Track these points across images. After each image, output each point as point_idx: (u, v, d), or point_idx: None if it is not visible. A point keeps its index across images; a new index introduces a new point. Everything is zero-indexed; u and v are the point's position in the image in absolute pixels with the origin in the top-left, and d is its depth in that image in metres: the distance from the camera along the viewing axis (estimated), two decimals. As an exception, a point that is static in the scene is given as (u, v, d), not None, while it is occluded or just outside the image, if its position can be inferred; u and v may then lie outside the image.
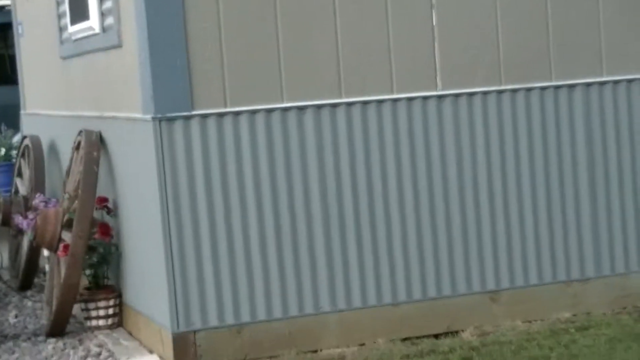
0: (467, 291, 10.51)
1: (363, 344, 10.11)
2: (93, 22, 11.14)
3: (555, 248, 10.76)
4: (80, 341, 10.90)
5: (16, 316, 12.40)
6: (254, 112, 9.92)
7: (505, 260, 10.63)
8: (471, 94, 10.50)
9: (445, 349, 9.77)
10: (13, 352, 10.67)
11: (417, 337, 10.24)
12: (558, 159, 10.74)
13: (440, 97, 10.41)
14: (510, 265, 10.64)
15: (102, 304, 11.22)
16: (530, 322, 10.54)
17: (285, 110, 10.01)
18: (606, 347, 9.46)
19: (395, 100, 10.27)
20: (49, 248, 11.55)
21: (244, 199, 9.95)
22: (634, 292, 10.95)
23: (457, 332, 10.34)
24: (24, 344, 11.00)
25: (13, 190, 14.66)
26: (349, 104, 10.18)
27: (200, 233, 9.83)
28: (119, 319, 11.34)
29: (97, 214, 11.28)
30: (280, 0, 9.96)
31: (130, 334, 11.08)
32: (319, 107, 10.09)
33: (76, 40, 12.14)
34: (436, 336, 10.29)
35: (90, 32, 11.36)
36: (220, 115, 9.82)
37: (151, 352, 10.42)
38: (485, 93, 10.53)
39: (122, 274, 11.33)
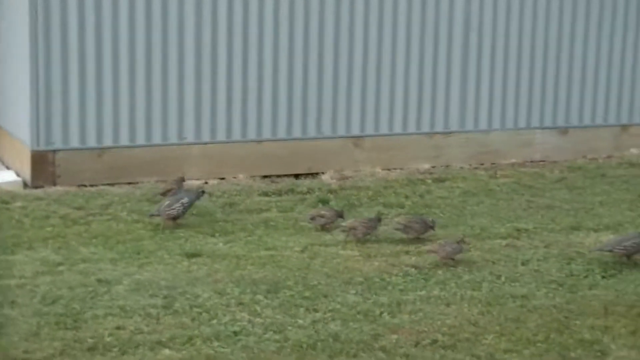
0: (332, 134, 11.13)
1: (223, 178, 10.67)
2: None
3: (423, 100, 11.38)
4: None
5: None
6: None
7: (373, 107, 11.19)
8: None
9: (304, 190, 10.36)
10: None
11: (278, 176, 10.82)
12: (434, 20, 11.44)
13: None
14: (376, 113, 11.23)
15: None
16: (390, 170, 11.20)
17: None
18: (459, 199, 10.19)
19: None
20: None
21: (116, 17, 10.17)
22: (493, 149, 11.74)
23: (317, 174, 10.96)
24: None
25: None
26: None
27: (69, 50, 10.04)
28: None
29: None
30: None
31: (-11, 148, 11.36)
32: None
33: None
34: (296, 176, 10.89)
35: None
36: None
37: (8, 168, 10.80)
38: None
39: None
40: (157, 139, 10.48)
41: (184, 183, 9.91)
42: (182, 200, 8.94)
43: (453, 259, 8.04)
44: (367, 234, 8.59)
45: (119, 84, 10.28)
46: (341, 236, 8.63)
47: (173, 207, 8.88)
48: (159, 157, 10.48)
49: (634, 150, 12.15)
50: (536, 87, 11.81)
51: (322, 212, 9.07)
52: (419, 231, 8.68)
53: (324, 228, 8.97)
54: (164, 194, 9.63)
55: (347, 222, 8.72)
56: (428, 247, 8.34)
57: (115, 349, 6.25)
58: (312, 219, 9.05)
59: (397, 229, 8.71)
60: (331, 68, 10.99)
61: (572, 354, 6.34)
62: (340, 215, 9.03)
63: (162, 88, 10.43)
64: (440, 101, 11.47)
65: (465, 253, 8.16)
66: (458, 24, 11.41)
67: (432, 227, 8.69)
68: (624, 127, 12.22)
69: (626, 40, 12.09)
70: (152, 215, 9.06)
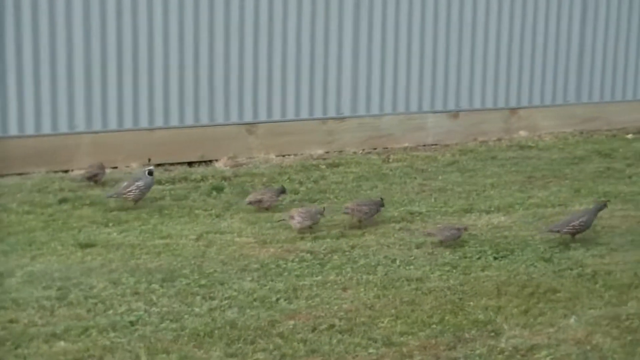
0: (225, 121, 11.12)
1: (116, 167, 10.57)
2: None
3: (315, 85, 11.42)
4: None
5: None
6: None
7: (265, 93, 11.21)
8: None
9: (198, 177, 10.34)
10: None
11: (171, 164, 10.78)
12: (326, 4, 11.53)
13: None
14: (269, 99, 11.25)
15: None
16: (284, 156, 11.26)
17: None
18: (353, 184, 10.28)
19: None
20: None
21: (1, 5, 10.06)
22: (386, 134, 11.90)
23: (211, 161, 10.95)
24: None
25: None
26: None
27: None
28: None
29: None
30: None
31: None
32: None
33: None
34: (190, 164, 10.86)
35: None
36: None
37: None
38: None
39: None
40: (46, 128, 10.33)
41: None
42: (138, 183, 9.15)
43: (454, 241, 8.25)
44: (314, 223, 8.58)
45: (5, 74, 10.10)
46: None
47: (129, 189, 9.11)
48: (49, 147, 10.34)
49: (523, 133, 12.41)
50: (427, 71, 11.97)
51: (260, 196, 9.13)
52: (369, 213, 8.75)
53: (267, 209, 9.09)
54: (90, 178, 9.82)
55: (288, 212, 8.71)
56: (427, 230, 8.47)
57: (9, 343, 6.17)
58: (250, 203, 9.10)
59: (345, 213, 8.79)
60: (222, 55, 10.97)
61: (467, 335, 6.46)
62: (282, 191, 9.25)
63: (51, 77, 10.28)
64: (332, 86, 11.55)
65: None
66: (348, 9, 11.48)
67: (382, 205, 8.86)
68: (513, 110, 12.47)
69: (513, 26, 12.32)
70: (109, 197, 9.21)
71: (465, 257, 7.99)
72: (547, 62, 12.50)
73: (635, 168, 11.07)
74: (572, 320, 6.75)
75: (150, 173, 9.34)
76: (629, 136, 12.59)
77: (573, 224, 8.35)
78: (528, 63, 12.43)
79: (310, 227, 8.53)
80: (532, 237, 8.50)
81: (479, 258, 7.98)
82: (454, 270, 7.69)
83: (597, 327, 6.62)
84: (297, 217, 8.47)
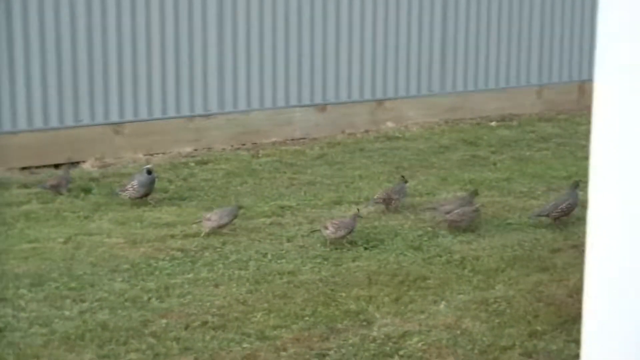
0: (91, 122, 10.94)
1: (-21, 172, 10.42)
2: None
3: (180, 83, 11.32)
4: None
5: None
6: None
7: (130, 92, 11.09)
8: None
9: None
10: None
11: (37, 167, 10.57)
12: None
13: None
14: (135, 98, 11.13)
15: None
16: (152, 155, 11.15)
17: None
18: (223, 180, 10.25)
19: None
20: None
21: None
22: (253, 129, 11.92)
23: (77, 162, 10.75)
24: None
25: None
26: None
27: None
28: None
29: None
30: None
31: None
32: None
33: None
34: (56, 166, 10.64)
35: None
36: None
37: None
38: None
39: None
40: None
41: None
42: (132, 182, 9.31)
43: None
44: (349, 232, 8.17)
45: None
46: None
47: (126, 187, 9.32)
48: None
49: (390, 124, 12.57)
50: (292, 66, 12.02)
51: (210, 217, 8.47)
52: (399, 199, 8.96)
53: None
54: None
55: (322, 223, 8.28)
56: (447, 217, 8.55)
57: None
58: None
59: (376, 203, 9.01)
60: (85, 54, 10.81)
61: (339, 325, 6.54)
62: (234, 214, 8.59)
63: None
64: (199, 84, 11.50)
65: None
66: (212, 7, 11.45)
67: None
68: (380, 102, 12.62)
69: (376, 19, 12.46)
70: (116, 194, 9.47)
71: (336, 249, 8.07)
72: (411, 54, 12.69)
73: (499, 155, 11.33)
74: (441, 306, 6.90)
75: (149, 172, 9.38)
76: (493, 124, 12.88)
77: (561, 207, 8.58)
78: (392, 55, 12.59)
79: (344, 237, 8.16)
80: (402, 226, 8.64)
81: (349, 249, 8.07)
82: (326, 262, 7.76)
83: (466, 312, 6.77)
84: (330, 228, 8.12)
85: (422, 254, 7.95)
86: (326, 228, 8.11)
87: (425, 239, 8.33)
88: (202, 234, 8.33)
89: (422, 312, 6.78)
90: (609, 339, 1.92)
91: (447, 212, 8.56)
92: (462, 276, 7.47)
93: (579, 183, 8.87)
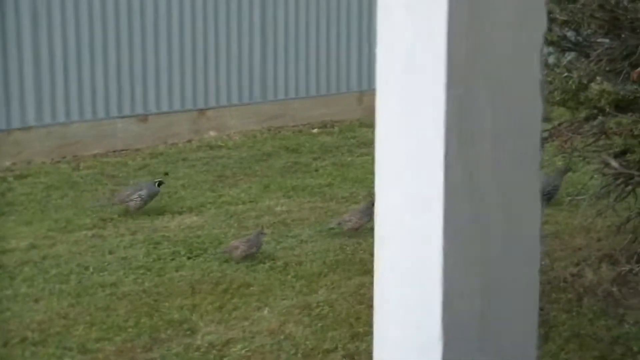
0: None
1: None
2: None
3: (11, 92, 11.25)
4: None
5: None
6: None
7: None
8: None
9: None
10: None
11: None
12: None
13: None
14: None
15: None
16: (-33, 170, 10.96)
17: None
18: (43, 194, 10.04)
19: None
20: None
21: None
22: (74, 142, 11.74)
23: None
24: None
25: None
26: None
27: None
28: None
29: None
30: None
31: None
32: None
33: None
34: None
35: None
36: None
37: None
38: None
39: None
40: None
41: None
42: (140, 192, 9.19)
43: None
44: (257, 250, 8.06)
45: None
46: None
47: (132, 197, 9.14)
48: None
49: (212, 133, 12.59)
50: (112, 76, 11.89)
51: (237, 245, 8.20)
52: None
53: None
54: None
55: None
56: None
57: None
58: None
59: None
60: None
61: (163, 335, 6.53)
62: None
63: None
64: (15, 96, 11.26)
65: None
66: (26, 18, 11.25)
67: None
68: (201, 111, 12.63)
69: (195, 30, 12.46)
70: (113, 204, 9.38)
71: (159, 259, 8.04)
72: (231, 62, 12.74)
73: (321, 161, 11.49)
74: (265, 312, 6.97)
75: (160, 184, 9.40)
76: (314, 131, 13.06)
77: (549, 189, 8.70)
78: (213, 64, 12.62)
79: (254, 254, 8.00)
80: (225, 234, 8.67)
81: (172, 259, 8.05)
82: (149, 273, 7.73)
83: (289, 317, 6.86)
84: (241, 247, 7.93)
85: (246, 261, 7.99)
86: (236, 248, 7.97)
87: (249, 246, 8.38)
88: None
89: (246, 318, 6.84)
90: (397, 333, 2.02)
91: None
92: (286, 282, 7.55)
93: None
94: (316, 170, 11.08)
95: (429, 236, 1.96)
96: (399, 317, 2.02)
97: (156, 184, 9.45)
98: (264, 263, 7.95)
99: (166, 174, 9.94)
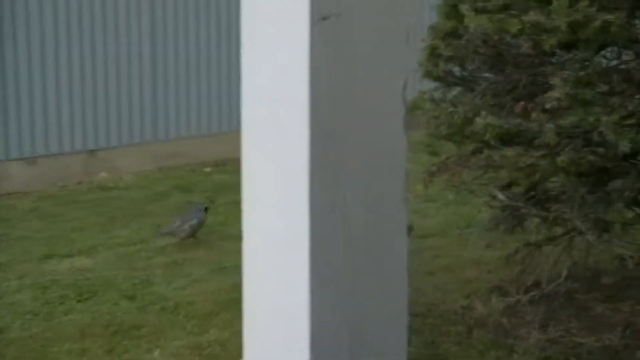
0: None
1: None
2: None
3: None
4: None
5: None
6: None
7: None
8: None
9: None
10: None
11: None
12: None
13: None
14: None
15: None
16: None
17: None
18: None
19: None
20: None
21: None
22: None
23: None
24: None
25: None
26: None
27: None
28: None
29: None
30: None
31: None
32: None
33: None
34: None
35: None
36: None
37: None
38: None
39: None
40: None
41: None
42: (191, 222, 9.36)
43: None
44: None
45: None
46: None
47: (182, 228, 9.32)
48: None
49: (103, 174, 12.43)
50: (-2, 118, 11.71)
51: None
52: None
53: None
54: None
55: None
56: None
57: None
58: None
59: None
60: None
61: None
62: None
63: None
64: None
65: None
66: None
67: None
68: (92, 152, 12.46)
69: (84, 72, 12.32)
70: (163, 234, 9.42)
71: (48, 304, 7.88)
72: (122, 102, 12.63)
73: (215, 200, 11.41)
74: (156, 353, 6.86)
75: (206, 210, 9.48)
76: (207, 169, 12.98)
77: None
78: (103, 104, 12.48)
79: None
80: (115, 276, 8.53)
81: (62, 303, 7.90)
82: (36, 318, 7.56)
83: (180, 358, 6.77)
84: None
85: (137, 302, 7.88)
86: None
87: (140, 287, 8.26)
88: None
89: (136, 361, 6.73)
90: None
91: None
92: (177, 322, 7.46)
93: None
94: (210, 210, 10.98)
95: (296, 274, 1.93)
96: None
97: (204, 210, 9.58)
98: (155, 304, 7.84)
99: (212, 201, 9.97)
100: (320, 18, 1.83)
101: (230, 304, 7.84)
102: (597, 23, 6.09)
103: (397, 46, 1.99)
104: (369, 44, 1.93)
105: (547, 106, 6.89)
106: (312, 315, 1.90)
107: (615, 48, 6.70)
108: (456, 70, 7.49)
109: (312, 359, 1.90)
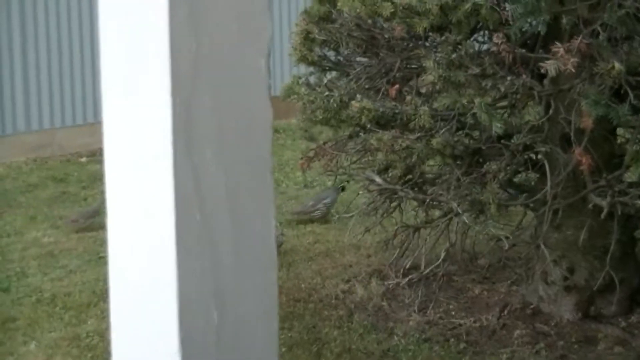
0: None
1: None
2: None
3: None
4: None
5: None
6: None
7: None
8: None
9: None
10: None
11: None
12: None
13: None
14: None
15: None
16: None
17: None
18: None
19: None
20: None
21: None
22: None
23: None
24: None
25: None
26: None
27: None
28: None
29: None
30: None
31: None
32: None
33: None
34: None
35: None
36: None
37: None
38: None
39: None
40: None
41: None
42: (325, 201, 9.40)
43: None
44: None
45: None
46: None
47: (317, 207, 9.37)
48: None
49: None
50: None
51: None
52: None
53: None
54: None
55: None
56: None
57: None
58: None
59: None
60: None
61: None
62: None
63: None
64: None
65: None
66: None
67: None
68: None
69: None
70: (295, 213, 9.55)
71: None
72: (-7, 91, 12.36)
73: (90, 190, 11.25)
74: (32, 346, 6.76)
75: (343, 189, 9.30)
76: (83, 159, 12.78)
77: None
78: (-27, 94, 12.22)
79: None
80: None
81: None
82: None
83: (57, 349, 6.69)
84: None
85: (11, 295, 7.74)
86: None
87: (15, 279, 8.12)
88: None
89: (12, 354, 6.64)
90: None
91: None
92: (53, 314, 7.36)
93: None
94: (85, 200, 10.84)
95: (161, 249, 1.92)
96: (137, 338, 1.97)
97: (340, 189, 9.52)
98: (31, 296, 7.72)
99: (347, 181, 9.85)
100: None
101: (107, 294, 7.74)
102: (467, 6, 6.21)
103: (256, 21, 1.99)
104: (227, 18, 1.92)
105: (422, 90, 7.00)
106: (179, 289, 1.89)
107: (486, 31, 6.82)
108: (331, 54, 7.54)
109: (180, 334, 1.89)
